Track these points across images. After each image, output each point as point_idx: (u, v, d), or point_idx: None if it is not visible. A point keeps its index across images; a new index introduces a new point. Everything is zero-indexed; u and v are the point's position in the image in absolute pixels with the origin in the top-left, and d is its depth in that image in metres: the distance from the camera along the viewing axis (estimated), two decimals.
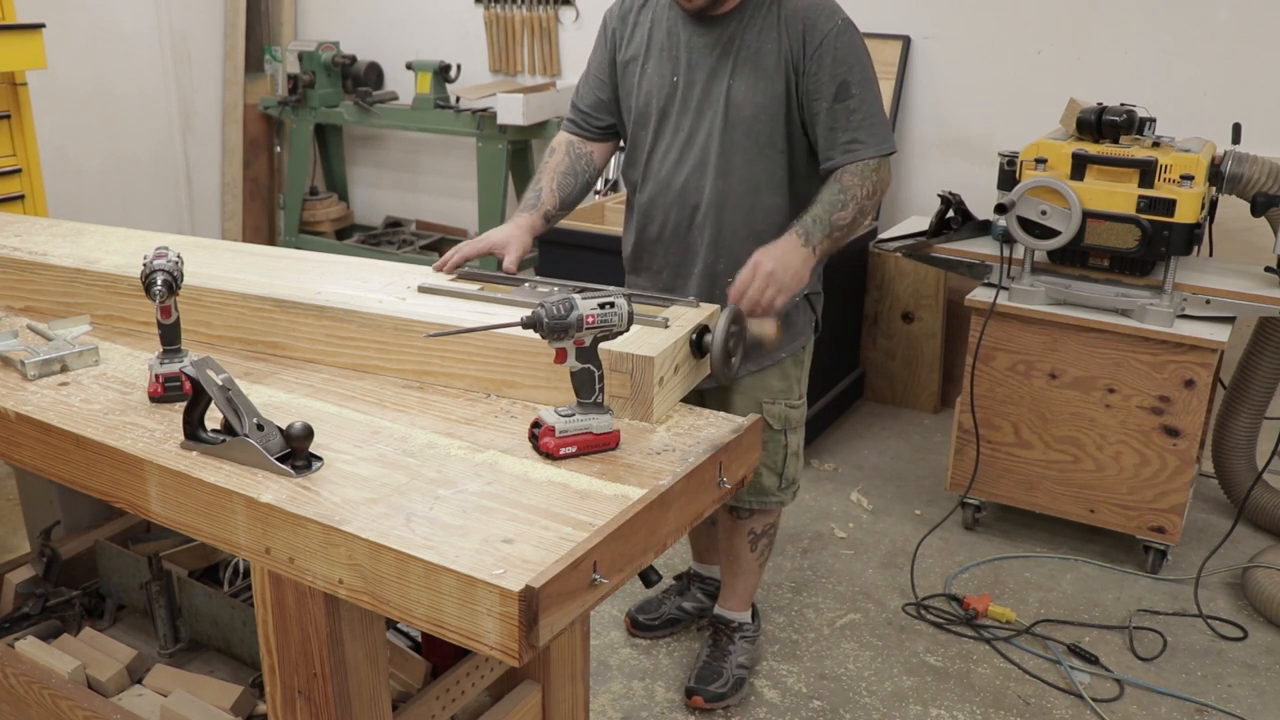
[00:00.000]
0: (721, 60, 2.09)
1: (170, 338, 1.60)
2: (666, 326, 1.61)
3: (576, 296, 1.40)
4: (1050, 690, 2.54)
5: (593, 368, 1.43)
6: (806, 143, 2.12)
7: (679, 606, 2.76)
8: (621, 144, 2.33)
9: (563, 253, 3.87)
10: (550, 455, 1.42)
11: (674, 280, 2.22)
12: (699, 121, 2.13)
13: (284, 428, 1.37)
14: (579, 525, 1.25)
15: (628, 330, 1.45)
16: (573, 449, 1.42)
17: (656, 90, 2.16)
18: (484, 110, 4.50)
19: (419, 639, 1.87)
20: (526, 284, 1.82)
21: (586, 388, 1.44)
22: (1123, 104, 2.89)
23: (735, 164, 2.12)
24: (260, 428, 1.39)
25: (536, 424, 1.45)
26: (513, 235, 2.09)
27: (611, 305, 1.41)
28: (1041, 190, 2.80)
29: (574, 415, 1.43)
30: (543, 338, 1.42)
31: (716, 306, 1.71)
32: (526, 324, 1.41)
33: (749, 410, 2.20)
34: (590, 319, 1.39)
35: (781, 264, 1.92)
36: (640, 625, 2.73)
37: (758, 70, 2.07)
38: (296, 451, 1.37)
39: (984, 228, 3.17)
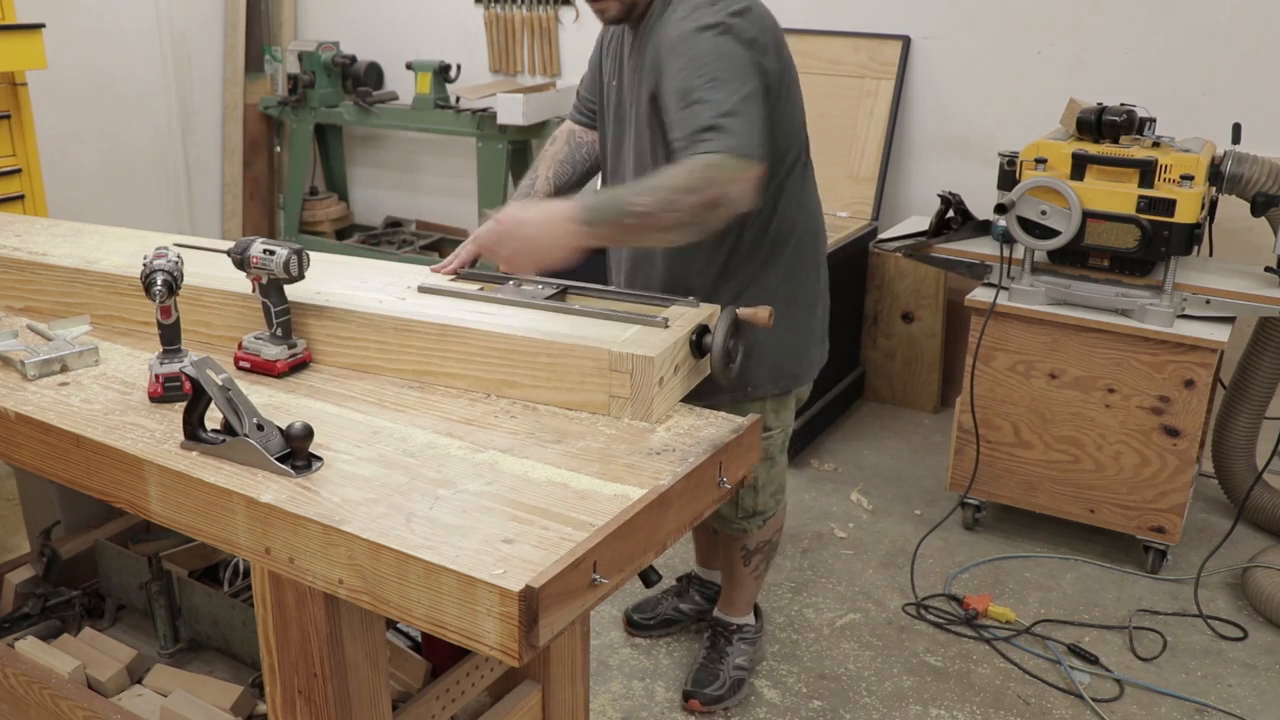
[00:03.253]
0: (634, 70, 2.00)
1: (170, 338, 1.60)
2: (666, 326, 1.61)
3: (256, 239, 1.64)
4: (1050, 690, 2.54)
5: (269, 304, 1.66)
6: None
7: (676, 608, 2.75)
8: None
9: None
10: (235, 364, 1.69)
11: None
12: (621, 130, 2.08)
13: (284, 428, 1.37)
14: (579, 525, 1.25)
15: (293, 280, 1.64)
16: (247, 365, 1.70)
17: (601, 91, 2.14)
18: (484, 110, 4.50)
19: (419, 639, 1.87)
20: (510, 282, 1.82)
21: (266, 319, 1.68)
22: (1123, 104, 2.89)
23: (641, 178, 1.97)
24: (260, 428, 1.39)
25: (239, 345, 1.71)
26: None
27: (272, 254, 1.62)
28: (1041, 190, 2.80)
29: (257, 341, 1.70)
30: (237, 268, 1.65)
31: (716, 306, 1.71)
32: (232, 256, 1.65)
33: None
34: (255, 260, 1.63)
35: (528, 226, 1.69)
36: (636, 624, 2.72)
37: (640, 82, 1.96)
38: (296, 451, 1.37)
39: (984, 228, 3.17)
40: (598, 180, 2.29)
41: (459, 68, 4.75)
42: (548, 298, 1.74)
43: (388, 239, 5.18)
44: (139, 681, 1.91)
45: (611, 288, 1.78)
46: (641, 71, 1.96)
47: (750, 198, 1.75)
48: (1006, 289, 2.98)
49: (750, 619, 2.58)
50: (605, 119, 2.15)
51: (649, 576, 1.46)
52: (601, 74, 2.16)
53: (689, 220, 1.71)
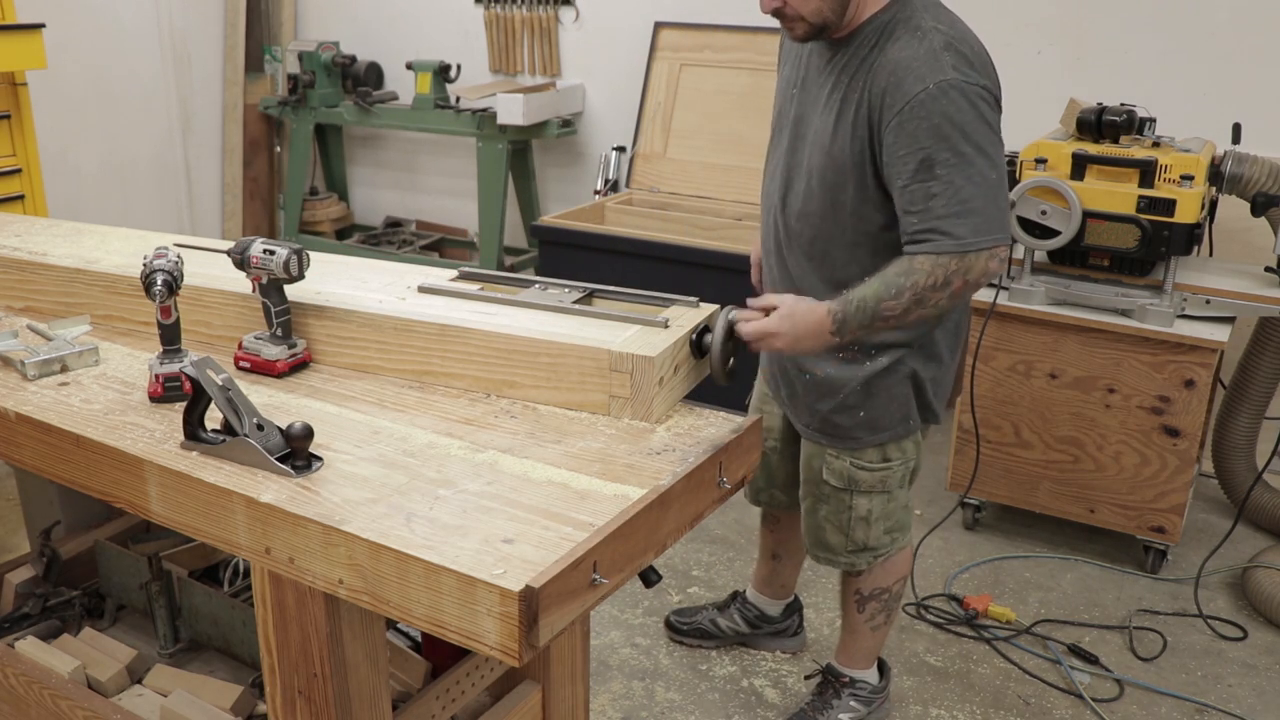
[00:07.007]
0: (821, 88, 1.91)
1: (170, 338, 1.60)
2: (667, 326, 1.61)
3: (256, 239, 1.64)
4: (1050, 690, 2.54)
5: (269, 304, 1.66)
6: (881, 216, 1.87)
7: (713, 620, 2.65)
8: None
9: (563, 252, 3.88)
10: (235, 364, 1.70)
11: None
12: (798, 146, 1.96)
13: (284, 428, 1.37)
14: (579, 525, 1.25)
15: (293, 280, 1.64)
16: (247, 365, 1.70)
17: (779, 97, 2.04)
18: (484, 110, 4.50)
19: (419, 639, 1.87)
20: (537, 285, 1.81)
21: (266, 320, 1.68)
22: (1123, 104, 2.89)
23: (812, 207, 1.94)
24: (260, 428, 1.39)
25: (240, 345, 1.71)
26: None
27: (272, 254, 1.62)
28: (1041, 190, 2.80)
29: (258, 341, 1.71)
30: (237, 268, 1.65)
31: (716, 306, 1.71)
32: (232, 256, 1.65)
33: (811, 457, 2.13)
34: (255, 260, 1.63)
35: (794, 327, 1.77)
36: (671, 625, 2.69)
37: (839, 115, 1.85)
38: (296, 451, 1.37)
39: None
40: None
41: (459, 68, 4.76)
42: (575, 301, 1.73)
43: (388, 239, 5.18)
44: (139, 681, 1.91)
45: (618, 288, 1.77)
46: (837, 96, 1.86)
47: (997, 272, 1.82)
48: (1006, 289, 2.99)
49: (869, 675, 2.36)
50: (781, 119, 2.05)
51: (649, 577, 1.46)
52: (779, 78, 2.08)
53: (938, 311, 1.81)
